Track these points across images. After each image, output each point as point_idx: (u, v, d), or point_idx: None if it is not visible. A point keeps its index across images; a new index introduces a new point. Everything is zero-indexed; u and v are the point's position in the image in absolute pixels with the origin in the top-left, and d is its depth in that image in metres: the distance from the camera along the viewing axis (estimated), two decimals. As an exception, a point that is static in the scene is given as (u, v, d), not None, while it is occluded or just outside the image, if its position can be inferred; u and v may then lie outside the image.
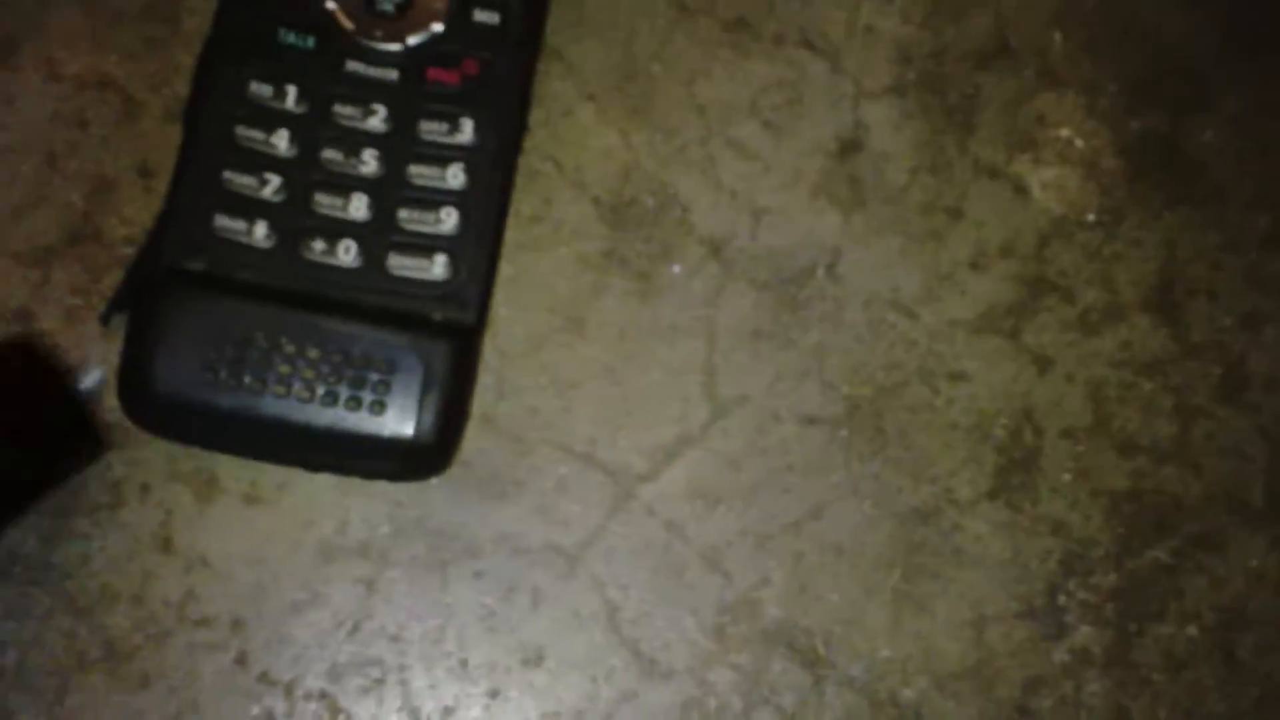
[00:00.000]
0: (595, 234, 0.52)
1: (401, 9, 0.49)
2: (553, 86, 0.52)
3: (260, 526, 0.49)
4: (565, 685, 0.49)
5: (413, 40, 0.49)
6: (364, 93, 0.48)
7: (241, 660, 0.48)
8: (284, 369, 0.46)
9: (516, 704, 0.48)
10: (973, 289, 0.53)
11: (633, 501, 0.50)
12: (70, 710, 0.47)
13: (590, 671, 0.49)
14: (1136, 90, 0.55)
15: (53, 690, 0.47)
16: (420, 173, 0.48)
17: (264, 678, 0.48)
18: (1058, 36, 0.55)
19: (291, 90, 0.48)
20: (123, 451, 0.48)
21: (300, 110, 0.48)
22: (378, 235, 0.47)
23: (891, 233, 0.53)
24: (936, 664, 0.50)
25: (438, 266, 0.47)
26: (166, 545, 0.48)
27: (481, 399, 0.50)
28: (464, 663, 0.48)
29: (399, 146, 0.48)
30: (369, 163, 0.48)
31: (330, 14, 0.48)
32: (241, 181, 0.47)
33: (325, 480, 0.49)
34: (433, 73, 0.49)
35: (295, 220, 0.47)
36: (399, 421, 0.46)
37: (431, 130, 0.48)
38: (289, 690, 0.48)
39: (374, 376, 0.46)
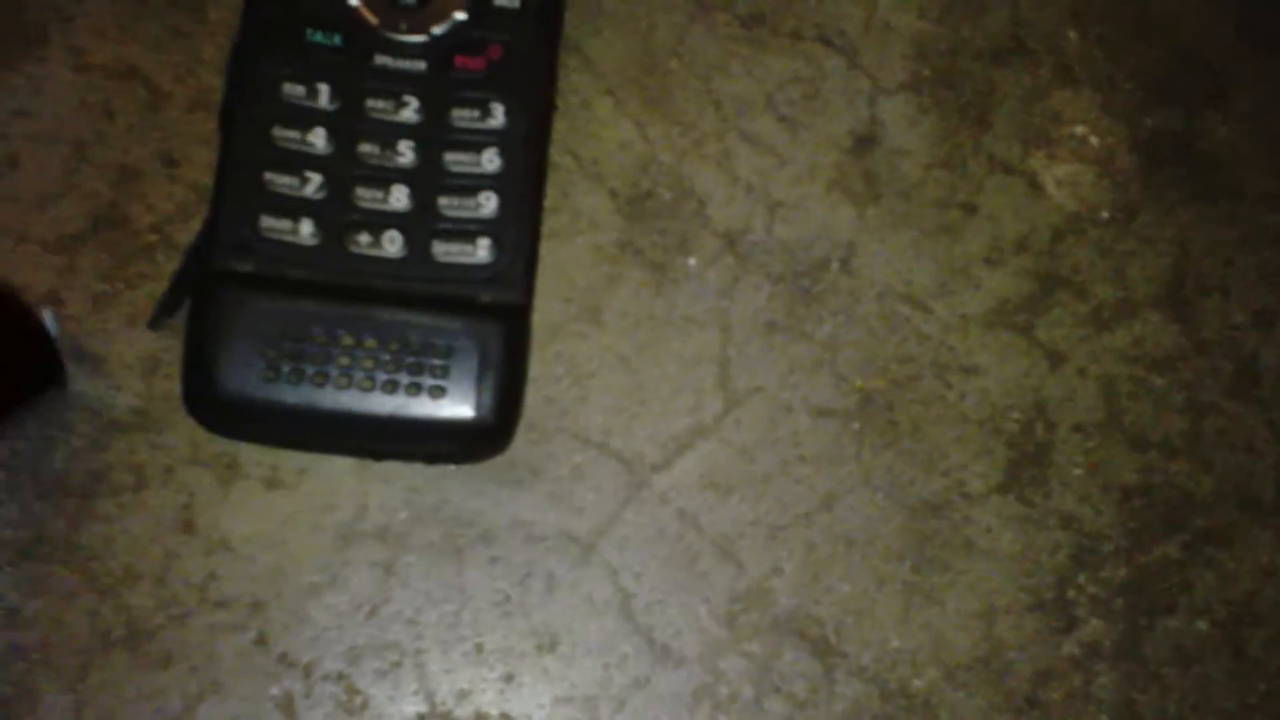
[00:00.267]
0: (612, 226, 0.52)
1: (423, 0, 0.49)
2: (571, 80, 0.53)
3: (280, 510, 0.49)
4: (578, 671, 0.49)
5: (437, 30, 0.49)
6: (394, 85, 0.49)
7: (261, 641, 0.48)
8: (344, 361, 0.46)
9: (530, 688, 0.49)
10: (986, 284, 0.53)
11: (646, 490, 0.51)
12: (93, 688, 0.47)
13: (603, 658, 0.49)
14: (1151, 88, 0.55)
15: (76, 668, 0.47)
16: (456, 159, 0.49)
17: (283, 659, 0.48)
18: (1073, 34, 0.55)
19: (324, 89, 0.48)
20: (146, 435, 0.49)
21: (334, 107, 0.48)
22: (420, 224, 0.48)
23: (906, 227, 0.53)
24: (946, 655, 0.50)
25: (482, 250, 0.48)
26: (188, 528, 0.49)
27: (499, 387, 0.50)
28: (479, 647, 0.49)
29: (433, 135, 0.49)
30: (405, 154, 0.49)
31: (355, 10, 0.49)
32: (283, 182, 0.48)
33: (344, 465, 0.49)
34: (459, 60, 0.49)
35: (339, 215, 0.48)
36: (459, 404, 0.47)
37: (463, 117, 0.49)
38: (307, 671, 0.48)
39: (431, 361, 0.47)
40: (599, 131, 0.53)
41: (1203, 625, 0.51)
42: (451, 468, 0.50)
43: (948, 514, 0.51)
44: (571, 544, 0.50)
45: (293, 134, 0.48)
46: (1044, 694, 0.50)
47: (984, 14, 0.55)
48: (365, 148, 0.48)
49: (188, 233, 0.50)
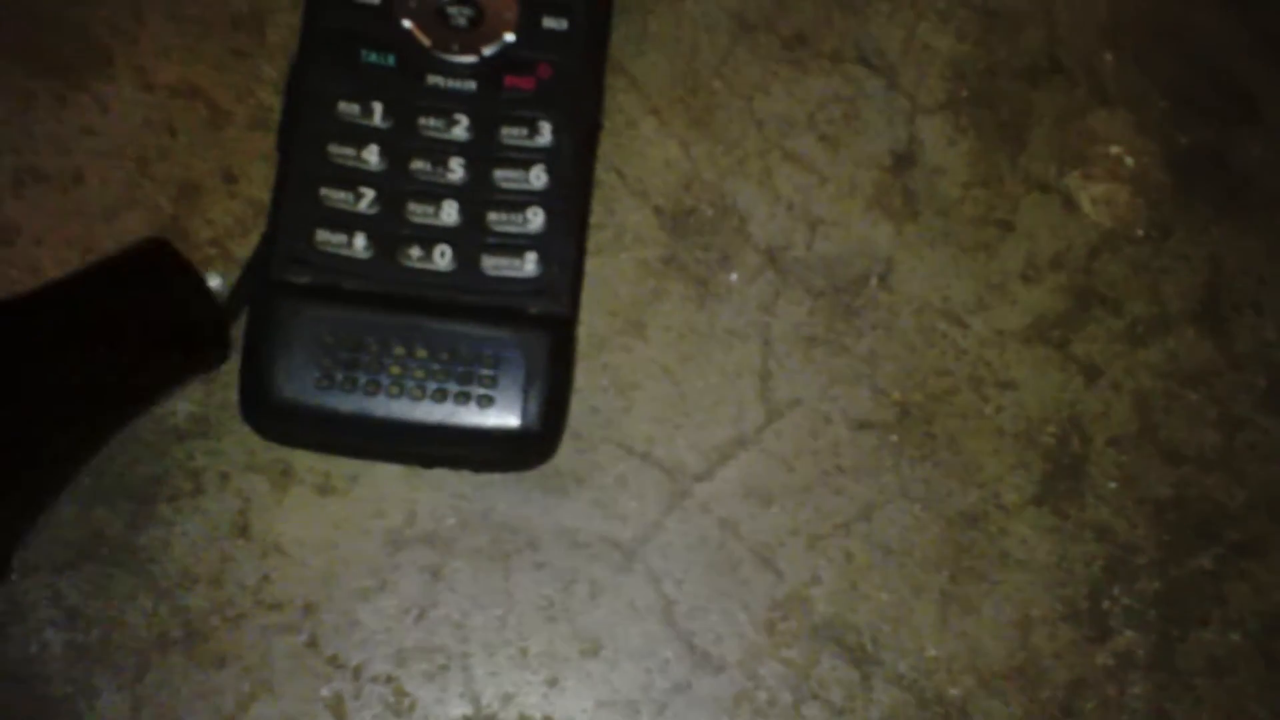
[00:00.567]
0: (656, 241, 0.54)
1: (474, 22, 0.51)
2: (617, 100, 0.54)
3: (332, 516, 0.51)
4: (621, 675, 0.50)
5: (487, 51, 0.51)
6: (446, 104, 0.50)
7: (313, 643, 0.50)
8: (395, 370, 0.48)
9: (574, 692, 0.50)
10: (1022, 300, 0.54)
11: (688, 499, 0.52)
12: (150, 687, 0.49)
13: (645, 662, 0.50)
14: (1185, 106, 0.56)
15: (134, 667, 0.49)
16: (505, 176, 0.50)
17: (333, 660, 0.50)
18: (1108, 54, 0.56)
19: (378, 107, 0.50)
20: (204, 442, 0.50)
21: (387, 125, 0.50)
22: (470, 238, 0.49)
23: (944, 244, 0.54)
24: (982, 663, 0.51)
25: (529, 264, 0.49)
26: (244, 532, 0.50)
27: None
28: (524, 651, 0.50)
29: (483, 153, 0.50)
30: (456, 170, 0.50)
31: (408, 32, 0.50)
32: (338, 197, 0.49)
33: (394, 472, 0.51)
34: (509, 80, 0.51)
35: (391, 230, 0.49)
36: (506, 413, 0.48)
37: (512, 135, 0.50)
38: (357, 673, 0.50)
39: (480, 371, 0.48)
40: (644, 150, 0.55)
41: (1235, 636, 0.52)
42: (498, 476, 0.51)
43: (984, 525, 0.52)
44: (615, 551, 0.51)
45: (348, 151, 0.49)
46: (1078, 703, 0.51)
47: (1020, 35, 0.57)
48: (417, 164, 0.50)
49: (246, 246, 0.52)
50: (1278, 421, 0.54)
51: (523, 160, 0.50)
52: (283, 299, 0.48)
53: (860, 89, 0.56)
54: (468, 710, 0.50)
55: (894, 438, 0.53)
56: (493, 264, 0.49)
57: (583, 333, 0.52)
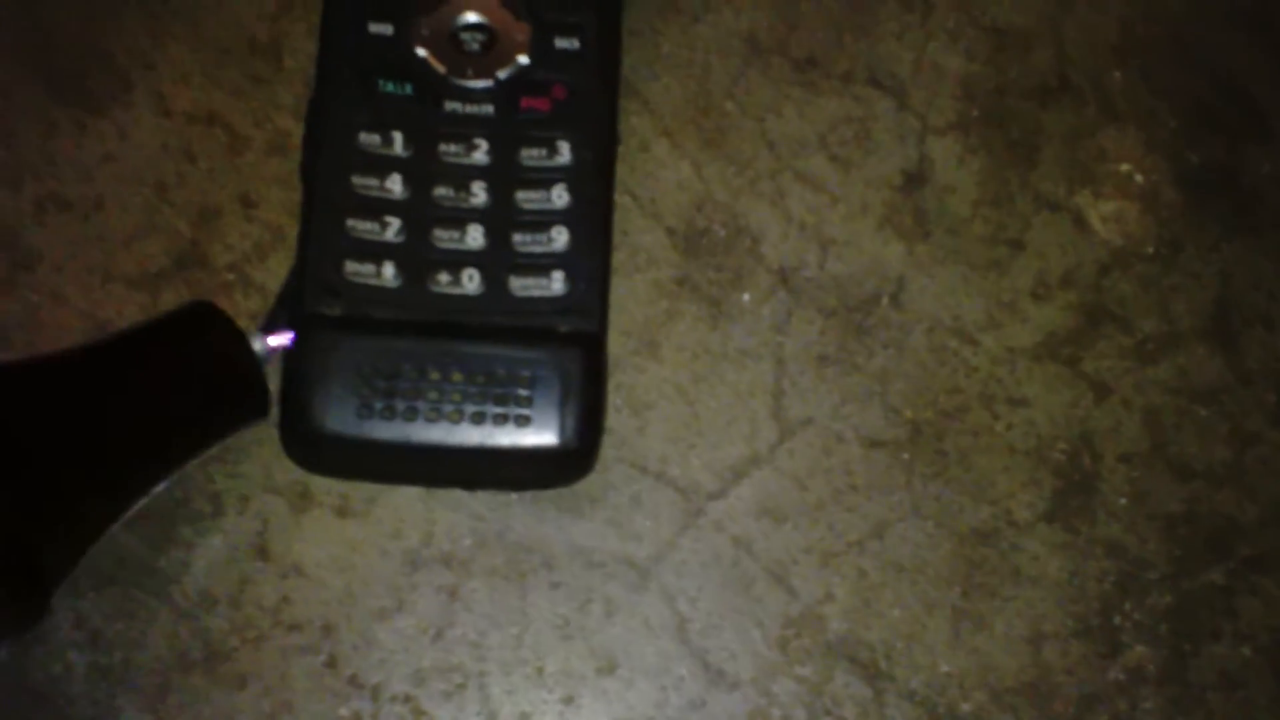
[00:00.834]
0: (669, 262, 0.54)
1: (487, 46, 0.51)
2: (630, 122, 0.55)
3: (350, 537, 0.51)
4: (636, 693, 0.51)
5: (502, 74, 0.51)
6: (464, 129, 0.51)
7: (331, 663, 0.50)
8: (432, 395, 0.48)
9: (590, 710, 0.51)
10: (1033, 317, 0.55)
11: (702, 518, 0.52)
12: (171, 707, 0.49)
13: (660, 680, 0.51)
14: (1195, 124, 0.56)
15: (155, 688, 0.49)
16: (527, 197, 0.50)
17: (352, 680, 0.50)
18: (1118, 74, 0.57)
19: (398, 136, 0.50)
20: (223, 465, 0.51)
21: (408, 154, 0.50)
22: (497, 261, 0.50)
23: (955, 263, 0.55)
24: (994, 679, 0.52)
25: (556, 282, 0.50)
26: (263, 553, 0.51)
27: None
28: (540, 670, 0.51)
29: (504, 175, 0.51)
30: (478, 194, 0.50)
31: (423, 60, 0.51)
32: (364, 227, 0.50)
33: (411, 494, 0.51)
34: (525, 101, 0.51)
35: (419, 257, 0.50)
36: (544, 432, 0.48)
37: (532, 156, 0.51)
38: (376, 693, 0.50)
39: (516, 392, 0.48)
40: (657, 171, 0.55)
41: (1247, 651, 0.52)
42: (514, 496, 0.51)
43: (996, 542, 0.53)
44: (630, 570, 0.52)
45: (371, 181, 0.50)
46: (1090, 718, 0.52)
47: (1030, 54, 0.57)
48: (440, 190, 0.50)
49: (264, 271, 0.53)
50: (1288, 438, 0.54)
51: (544, 180, 0.51)
52: (317, 332, 0.49)
53: (871, 110, 0.56)
54: (485, 728, 0.50)
55: (906, 455, 0.53)
56: (520, 285, 0.50)
57: (597, 354, 0.52)
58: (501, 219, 0.50)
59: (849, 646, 0.51)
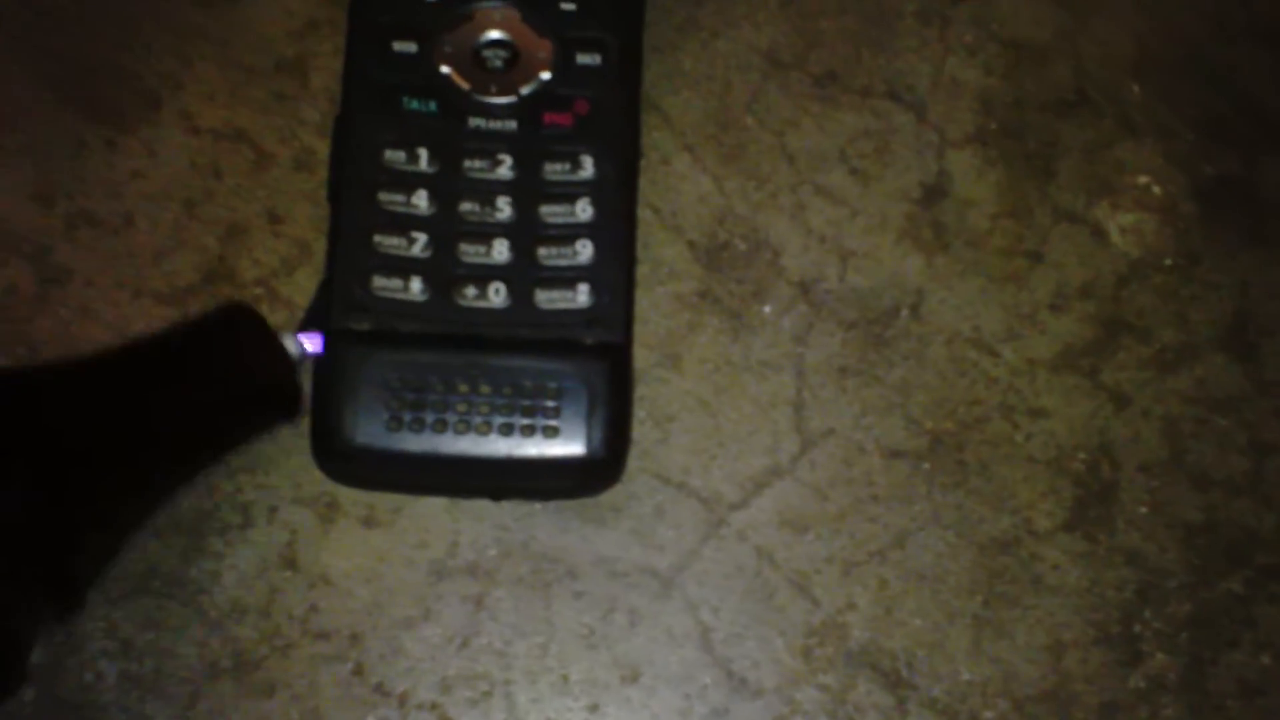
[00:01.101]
0: (691, 275, 0.55)
1: (510, 63, 0.52)
2: (651, 136, 0.55)
3: (377, 547, 0.52)
4: (660, 701, 0.51)
5: (525, 90, 0.52)
6: (488, 145, 0.51)
7: (359, 671, 0.51)
8: (461, 408, 0.49)
9: (614, 718, 0.51)
10: (1052, 329, 0.55)
11: (725, 528, 0.53)
12: (201, 715, 0.50)
13: (684, 689, 0.51)
14: (1212, 136, 0.57)
15: (186, 696, 0.50)
16: (551, 211, 0.51)
17: (379, 688, 0.51)
18: (1135, 86, 0.57)
19: (423, 153, 0.51)
20: (252, 476, 0.52)
21: (434, 170, 0.51)
22: (522, 274, 0.51)
23: (974, 275, 0.55)
24: (1015, 687, 0.52)
25: (581, 295, 0.50)
26: (291, 563, 0.51)
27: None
28: (565, 678, 0.51)
29: (528, 190, 0.51)
30: (503, 209, 0.51)
31: (447, 77, 0.52)
32: (391, 243, 0.50)
33: (437, 504, 0.52)
34: (548, 117, 0.52)
35: (445, 271, 0.50)
36: (571, 442, 0.49)
37: (555, 170, 0.51)
38: (402, 701, 0.51)
39: (543, 403, 0.49)
40: (678, 185, 0.56)
41: (1266, 659, 0.53)
42: (538, 506, 0.52)
43: (1016, 551, 0.53)
44: (653, 579, 0.52)
45: (397, 197, 0.51)
46: (1111, 726, 0.52)
47: (1048, 68, 0.57)
48: (465, 206, 0.51)
49: (291, 286, 0.53)
50: (1306, 447, 0.54)
51: (568, 194, 0.51)
52: (346, 347, 0.49)
53: (890, 123, 0.57)
54: (511, 736, 0.51)
55: (926, 466, 0.54)
56: (546, 297, 0.50)
57: (620, 366, 0.53)
58: (526, 233, 0.51)
59: (871, 655, 0.52)
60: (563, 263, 0.51)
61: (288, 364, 0.50)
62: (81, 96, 0.55)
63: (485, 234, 0.51)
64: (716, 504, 0.53)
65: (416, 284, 0.50)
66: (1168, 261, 0.56)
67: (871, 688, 0.52)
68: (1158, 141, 0.57)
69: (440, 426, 0.49)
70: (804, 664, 0.52)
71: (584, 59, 0.52)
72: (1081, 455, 0.54)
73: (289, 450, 0.52)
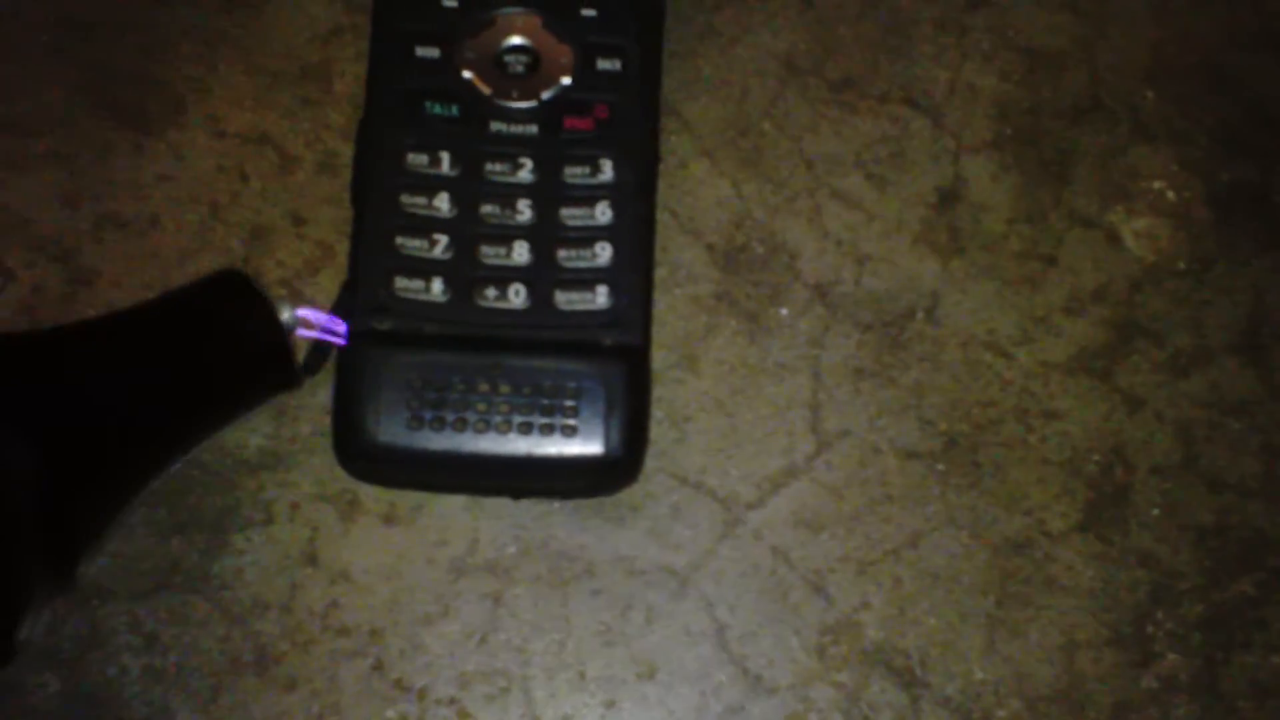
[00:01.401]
0: (708, 278, 0.55)
1: (531, 68, 0.53)
2: (670, 141, 0.56)
3: (397, 544, 0.52)
4: (676, 698, 0.52)
5: (546, 95, 0.53)
6: (509, 149, 0.52)
7: (379, 667, 0.51)
8: (481, 407, 0.50)
9: (630, 714, 0.52)
10: (1066, 332, 0.55)
11: (741, 527, 0.53)
12: (223, 709, 0.51)
13: (699, 686, 0.52)
14: (1225, 143, 0.57)
15: (208, 690, 0.51)
16: (571, 214, 0.52)
17: (399, 684, 0.51)
18: (1150, 93, 0.58)
19: (445, 156, 0.52)
20: (274, 474, 0.53)
21: (455, 173, 0.52)
22: (542, 276, 0.51)
23: (989, 278, 0.56)
24: (1028, 687, 0.52)
25: (600, 297, 0.51)
26: (312, 560, 0.52)
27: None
28: (582, 674, 0.52)
29: (548, 193, 0.52)
30: (524, 212, 0.52)
31: (468, 82, 0.52)
32: (413, 245, 0.51)
33: (457, 503, 0.53)
34: (568, 121, 0.53)
35: (466, 273, 0.51)
36: (589, 441, 0.50)
37: (575, 174, 0.52)
38: (421, 696, 0.51)
39: (562, 403, 0.50)
40: (696, 190, 0.56)
41: (1277, 660, 0.53)
42: (556, 505, 0.53)
43: (1030, 552, 0.53)
44: (670, 578, 0.53)
45: (419, 200, 0.51)
46: (1124, 726, 0.52)
47: (1063, 75, 0.58)
48: (487, 208, 0.52)
49: (314, 287, 0.54)
50: (1319, 450, 0.55)
51: (587, 198, 0.52)
52: (369, 347, 0.50)
53: (906, 129, 0.57)
54: (528, 732, 0.51)
55: (941, 467, 0.54)
56: (565, 299, 0.51)
57: (637, 367, 0.53)
58: (547, 235, 0.52)
59: (885, 654, 0.52)
60: (582, 265, 0.51)
61: (278, 330, 0.51)
62: (109, 101, 0.56)
63: (506, 236, 0.52)
64: (733, 503, 0.53)
65: (438, 285, 0.51)
66: (1181, 266, 0.56)
67: (885, 686, 0.52)
68: (1172, 148, 0.57)
69: (460, 425, 0.49)
70: (818, 662, 0.52)
71: (604, 64, 0.53)
72: (1095, 457, 0.54)
73: (311, 448, 0.53)
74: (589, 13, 0.53)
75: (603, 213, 0.52)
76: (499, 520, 0.53)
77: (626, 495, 0.53)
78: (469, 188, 0.52)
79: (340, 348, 0.51)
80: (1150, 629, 0.53)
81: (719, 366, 0.55)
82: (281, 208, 0.55)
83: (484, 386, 0.50)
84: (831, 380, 0.55)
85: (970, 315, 0.55)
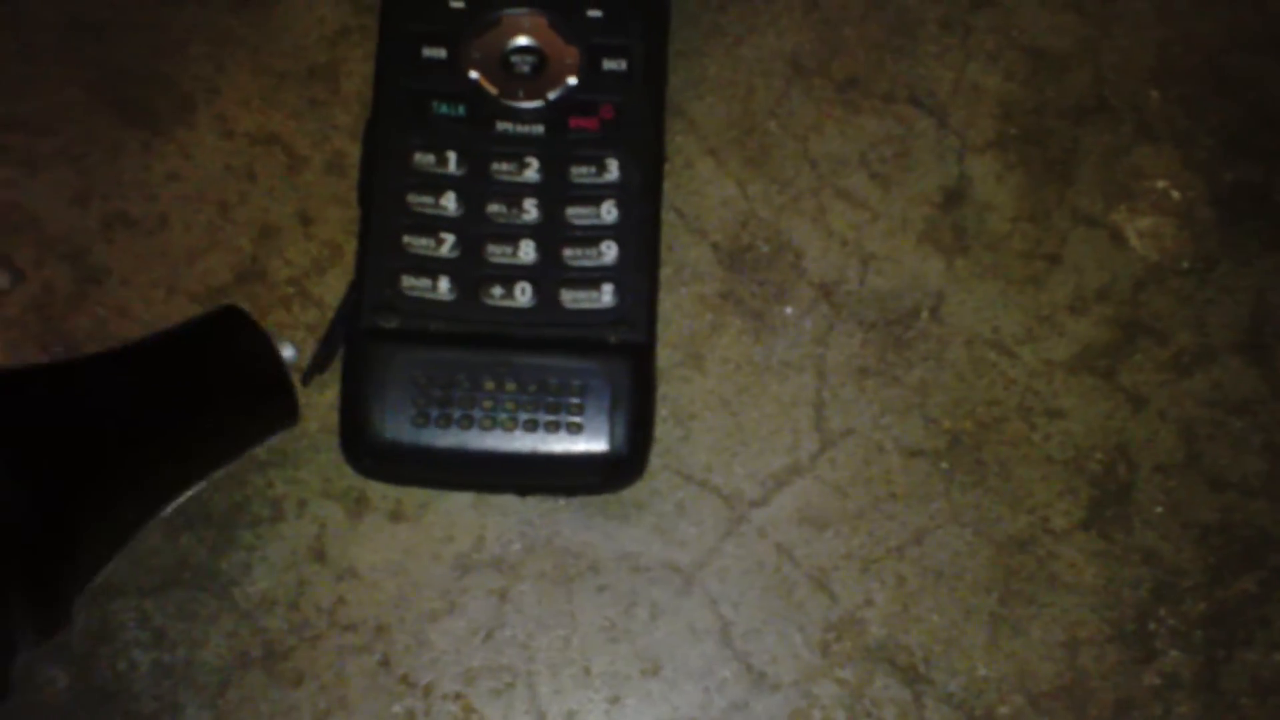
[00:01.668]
0: (714, 277, 0.56)
1: (537, 69, 0.53)
2: (676, 141, 0.56)
3: (404, 541, 0.53)
4: (680, 694, 0.52)
5: (552, 95, 0.53)
6: (516, 149, 0.53)
7: (385, 663, 0.52)
8: (487, 404, 0.50)
9: (634, 710, 0.52)
10: (1070, 331, 0.56)
11: (746, 525, 0.53)
12: (231, 704, 0.51)
13: (703, 682, 0.52)
14: (1229, 143, 0.57)
15: (216, 685, 0.51)
16: (577, 213, 0.52)
17: (405, 679, 0.52)
18: (1154, 93, 0.58)
19: (452, 156, 0.52)
20: (282, 471, 0.53)
21: (462, 172, 0.52)
22: (548, 275, 0.52)
23: (993, 277, 0.56)
24: (1031, 683, 0.53)
25: (606, 295, 0.51)
26: (320, 556, 0.52)
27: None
28: (587, 670, 0.52)
29: (554, 192, 0.52)
30: (530, 211, 0.52)
31: (475, 83, 0.53)
32: (420, 244, 0.52)
33: (463, 500, 0.53)
34: (574, 121, 0.53)
35: (473, 271, 0.51)
36: (594, 439, 0.50)
37: (581, 173, 0.52)
38: (427, 691, 0.52)
39: (567, 400, 0.50)
40: (702, 189, 0.57)
41: (1279, 658, 0.53)
42: (561, 502, 0.53)
43: (1033, 549, 0.54)
44: (674, 575, 0.53)
45: (426, 199, 0.52)
46: (1127, 723, 0.53)
47: (1068, 74, 0.58)
48: (493, 208, 0.52)
49: (322, 286, 0.55)
50: (1321, 448, 0.55)
51: (593, 197, 0.52)
52: (375, 344, 0.51)
53: (911, 128, 0.57)
54: (533, 728, 0.52)
55: (945, 465, 0.54)
56: (571, 297, 0.51)
57: (643, 365, 0.53)
58: (552, 234, 0.52)
59: (888, 650, 0.53)
60: (588, 263, 0.52)
61: (281, 368, 0.51)
62: (118, 101, 0.56)
63: (512, 235, 0.52)
64: (737, 501, 0.54)
65: (444, 284, 0.51)
66: (1185, 265, 0.56)
67: (889, 683, 0.52)
68: (1176, 148, 0.58)
69: (466, 423, 0.50)
70: (822, 659, 0.52)
71: (610, 65, 0.53)
72: (1098, 455, 0.55)
73: (318, 446, 0.53)
74: (595, 13, 0.54)
75: (608, 212, 0.52)
76: (505, 517, 0.53)
77: (631, 493, 0.53)
78: (475, 187, 0.52)
79: (348, 346, 0.51)
80: (1153, 626, 0.53)
81: (724, 365, 0.55)
82: (290, 207, 0.56)
83: (490, 384, 0.50)
84: (836, 379, 0.55)
85: (974, 314, 0.56)
